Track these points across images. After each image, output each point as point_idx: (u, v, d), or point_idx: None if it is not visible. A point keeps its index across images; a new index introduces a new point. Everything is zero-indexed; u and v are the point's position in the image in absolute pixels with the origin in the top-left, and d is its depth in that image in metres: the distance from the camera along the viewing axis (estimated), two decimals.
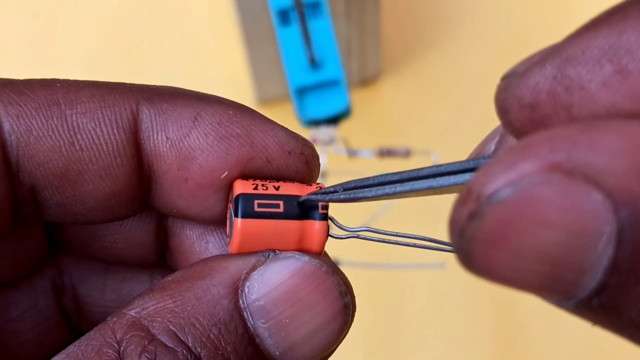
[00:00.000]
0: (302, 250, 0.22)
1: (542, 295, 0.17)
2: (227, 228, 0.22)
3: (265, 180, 0.22)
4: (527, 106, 0.17)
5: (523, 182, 0.15)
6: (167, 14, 0.61)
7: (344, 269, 0.22)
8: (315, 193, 0.22)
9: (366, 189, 0.21)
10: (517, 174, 0.15)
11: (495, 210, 0.16)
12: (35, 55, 0.60)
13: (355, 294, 0.22)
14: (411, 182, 0.20)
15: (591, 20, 0.17)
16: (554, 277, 0.16)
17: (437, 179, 0.20)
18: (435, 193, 0.20)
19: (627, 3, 0.16)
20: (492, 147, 0.21)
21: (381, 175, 0.21)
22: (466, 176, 0.19)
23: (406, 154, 0.42)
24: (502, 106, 0.18)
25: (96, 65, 0.59)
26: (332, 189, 0.22)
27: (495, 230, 0.16)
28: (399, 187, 0.20)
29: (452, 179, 0.19)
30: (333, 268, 0.21)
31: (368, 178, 0.21)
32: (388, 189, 0.21)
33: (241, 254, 0.21)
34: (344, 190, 0.22)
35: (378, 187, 0.21)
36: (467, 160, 0.20)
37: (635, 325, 0.16)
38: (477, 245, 0.16)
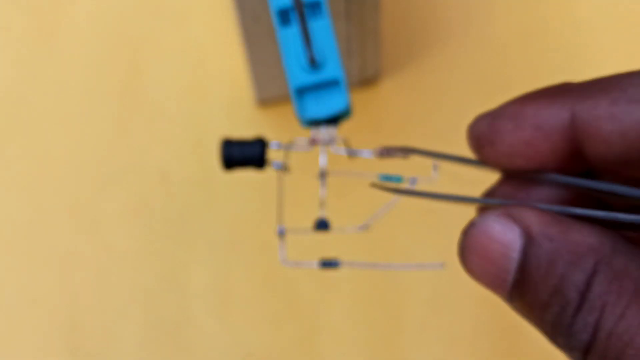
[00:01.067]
0: None
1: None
2: None
3: None
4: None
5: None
6: (166, 14, 0.61)
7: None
8: None
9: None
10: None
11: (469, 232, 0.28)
12: (34, 55, 0.60)
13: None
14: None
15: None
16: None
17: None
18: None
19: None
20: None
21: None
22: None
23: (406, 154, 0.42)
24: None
25: (96, 65, 0.59)
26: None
27: (469, 243, 0.28)
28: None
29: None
30: None
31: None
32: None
33: None
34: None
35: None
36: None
37: None
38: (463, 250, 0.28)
